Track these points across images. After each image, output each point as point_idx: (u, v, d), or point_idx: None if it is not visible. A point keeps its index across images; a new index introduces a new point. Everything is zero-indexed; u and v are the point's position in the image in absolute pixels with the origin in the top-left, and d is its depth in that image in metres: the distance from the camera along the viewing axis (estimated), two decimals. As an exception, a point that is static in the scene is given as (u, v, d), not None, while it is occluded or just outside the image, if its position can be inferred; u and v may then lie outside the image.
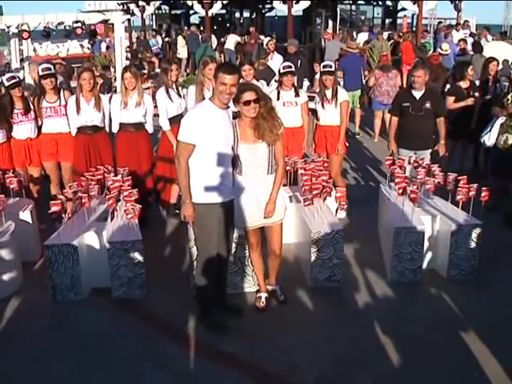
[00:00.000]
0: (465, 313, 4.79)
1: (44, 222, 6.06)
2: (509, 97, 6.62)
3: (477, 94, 7.79)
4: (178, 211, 6.84)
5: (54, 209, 4.93)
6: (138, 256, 4.93)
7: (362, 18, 23.27)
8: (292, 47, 11.68)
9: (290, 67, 6.81)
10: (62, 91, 6.64)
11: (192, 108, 4.65)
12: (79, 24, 11.08)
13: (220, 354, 4.28)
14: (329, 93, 6.78)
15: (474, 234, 5.19)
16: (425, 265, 5.42)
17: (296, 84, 7.05)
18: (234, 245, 4.85)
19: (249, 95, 4.26)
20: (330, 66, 6.83)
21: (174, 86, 6.70)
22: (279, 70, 7.02)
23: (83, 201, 5.28)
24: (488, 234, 5.37)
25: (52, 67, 6.72)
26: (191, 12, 27.07)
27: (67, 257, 4.87)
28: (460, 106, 7.70)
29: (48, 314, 4.97)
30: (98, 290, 5.15)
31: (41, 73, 6.46)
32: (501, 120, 6.61)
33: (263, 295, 4.91)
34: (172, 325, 4.72)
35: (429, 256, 5.47)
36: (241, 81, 6.14)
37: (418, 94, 6.60)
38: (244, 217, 4.58)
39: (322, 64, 7.01)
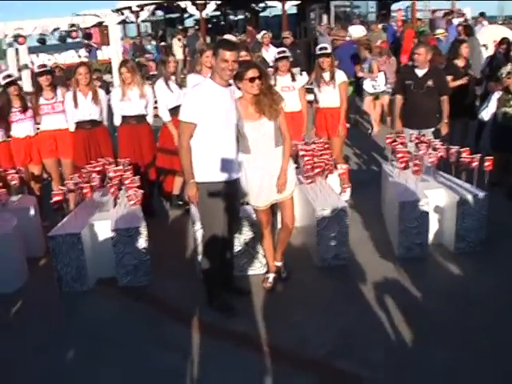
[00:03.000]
0: (474, 286, 4.73)
1: (47, 219, 6.05)
2: (502, 71, 6.59)
3: (465, 79, 7.76)
4: (180, 202, 6.85)
5: (56, 199, 4.90)
6: (142, 242, 4.90)
7: (356, 12, 23.23)
8: (287, 39, 11.69)
9: (285, 52, 6.82)
10: (58, 88, 6.62)
11: (193, 87, 4.62)
12: (74, 28, 11.09)
13: (229, 333, 4.25)
14: (326, 75, 6.75)
15: (480, 204, 5.13)
16: (432, 239, 5.37)
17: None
18: (239, 226, 4.83)
19: (253, 72, 4.28)
20: (326, 48, 6.80)
21: (172, 77, 6.68)
22: (274, 57, 7.03)
23: (85, 191, 5.25)
24: (493, 208, 5.32)
25: (46, 65, 6.72)
26: (186, 15, 27.10)
27: (71, 247, 4.84)
28: (457, 85, 7.66)
29: (55, 305, 4.93)
30: (104, 280, 5.13)
31: (37, 70, 6.46)
32: (497, 95, 6.58)
33: (271, 276, 4.88)
34: (179, 309, 4.68)
35: (435, 230, 5.41)
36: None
37: (420, 72, 6.56)
38: (257, 195, 4.57)
39: (318, 47, 6.99)
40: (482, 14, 16.90)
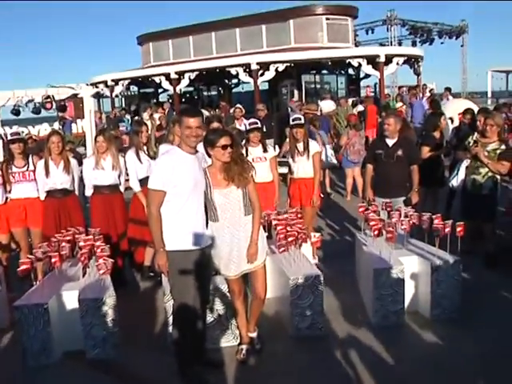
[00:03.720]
0: (450, 354, 4.65)
1: (13, 291, 5.84)
2: (469, 139, 6.77)
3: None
4: (152, 274, 6.71)
5: (23, 267, 4.75)
6: (111, 313, 4.73)
7: (327, 87, 24.00)
8: (261, 111, 11.91)
9: (256, 123, 6.92)
10: (30, 156, 6.58)
11: (161, 155, 4.61)
12: (49, 99, 11.16)
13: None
14: (300, 145, 6.86)
15: (454, 270, 5.14)
16: (407, 306, 5.31)
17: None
18: (210, 296, 4.72)
19: (225, 140, 4.30)
20: (300, 119, 6.94)
21: (144, 147, 6.70)
22: (246, 128, 7.14)
23: (53, 260, 5.11)
24: (467, 275, 5.34)
25: (20, 132, 6.70)
26: (160, 90, 27.64)
27: (37, 318, 4.65)
28: (430, 155, 7.84)
29: (18, 380, 4.68)
30: (71, 353, 4.90)
31: (9, 137, 6.44)
32: (466, 163, 6.73)
33: (244, 347, 4.73)
34: (150, 383, 4.48)
35: (411, 297, 5.38)
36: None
37: (390, 142, 6.69)
38: (226, 265, 4.49)
39: (292, 118, 7.13)
40: (448, 89, 17.54)
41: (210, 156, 4.42)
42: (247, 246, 4.46)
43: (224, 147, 4.29)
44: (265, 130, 11.40)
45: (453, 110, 12.75)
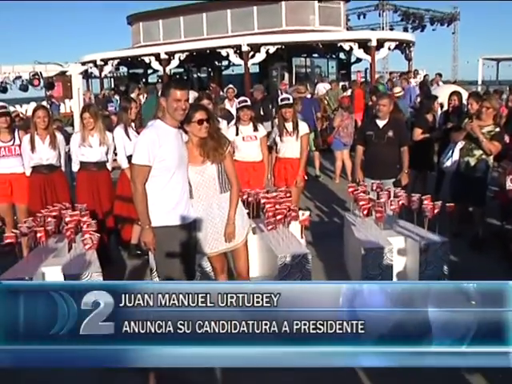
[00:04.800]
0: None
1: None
2: (465, 120, 6.74)
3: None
4: (139, 252, 6.65)
5: (7, 241, 4.68)
6: (97, 289, 4.67)
7: (317, 71, 23.97)
8: (258, 92, 11.78)
9: (246, 101, 6.85)
10: (16, 130, 6.47)
11: (144, 129, 4.49)
12: (36, 76, 11.02)
13: None
14: (289, 125, 6.80)
15: (442, 251, 5.13)
16: (395, 287, 5.30)
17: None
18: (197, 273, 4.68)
19: (201, 114, 4.18)
20: (288, 99, 6.88)
21: (132, 124, 6.62)
22: (236, 106, 7.08)
23: (39, 235, 5.03)
24: (455, 257, 5.33)
25: (6, 106, 6.57)
26: (150, 71, 27.44)
27: (21, 293, 4.58)
28: (422, 138, 7.82)
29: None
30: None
31: (-6, 110, 6.31)
32: (460, 144, 6.68)
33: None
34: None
35: (399, 278, 5.36)
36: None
37: (381, 123, 6.65)
38: (202, 243, 4.40)
39: (280, 97, 7.07)
40: (439, 74, 17.61)
41: (186, 132, 4.29)
42: (224, 225, 4.39)
43: (200, 122, 4.17)
44: (262, 112, 11.40)
45: (443, 95, 12.70)
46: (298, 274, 4.97)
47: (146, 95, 18.63)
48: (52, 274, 4.88)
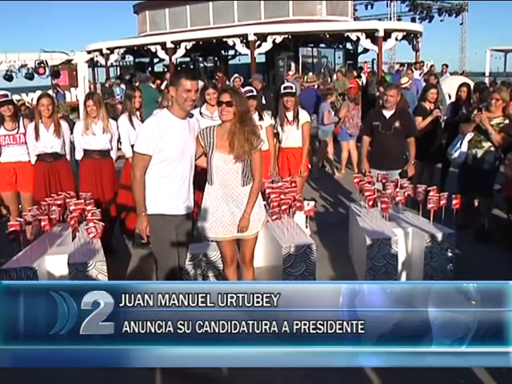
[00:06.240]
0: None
1: (2, 256, 5.76)
2: (475, 112, 6.66)
3: (436, 112, 7.86)
4: (143, 241, 6.63)
5: (12, 229, 4.67)
6: (101, 278, 4.67)
7: (324, 61, 23.85)
8: (257, 82, 11.73)
9: (252, 91, 6.79)
10: (21, 119, 6.45)
11: (149, 118, 4.45)
12: (42, 65, 10.99)
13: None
14: (290, 114, 6.75)
15: (448, 243, 5.09)
16: (400, 278, 5.28)
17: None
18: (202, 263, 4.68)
19: (223, 97, 4.07)
20: (291, 88, 6.82)
21: (137, 112, 6.59)
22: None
23: (43, 224, 5.03)
24: (460, 249, 5.29)
25: (8, 94, 6.53)
26: (156, 60, 27.36)
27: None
28: (427, 128, 7.74)
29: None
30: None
31: (-1, 99, 6.28)
32: (469, 136, 6.62)
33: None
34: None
35: (403, 268, 5.34)
36: (205, 106, 6.16)
37: (388, 114, 6.60)
38: (216, 226, 4.30)
39: (283, 86, 7.02)
40: (446, 65, 17.57)
41: None
42: (240, 217, 4.29)
43: (219, 103, 4.08)
44: (264, 102, 11.33)
45: (450, 86, 12.62)
46: (303, 265, 4.95)
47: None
48: (57, 262, 4.89)
